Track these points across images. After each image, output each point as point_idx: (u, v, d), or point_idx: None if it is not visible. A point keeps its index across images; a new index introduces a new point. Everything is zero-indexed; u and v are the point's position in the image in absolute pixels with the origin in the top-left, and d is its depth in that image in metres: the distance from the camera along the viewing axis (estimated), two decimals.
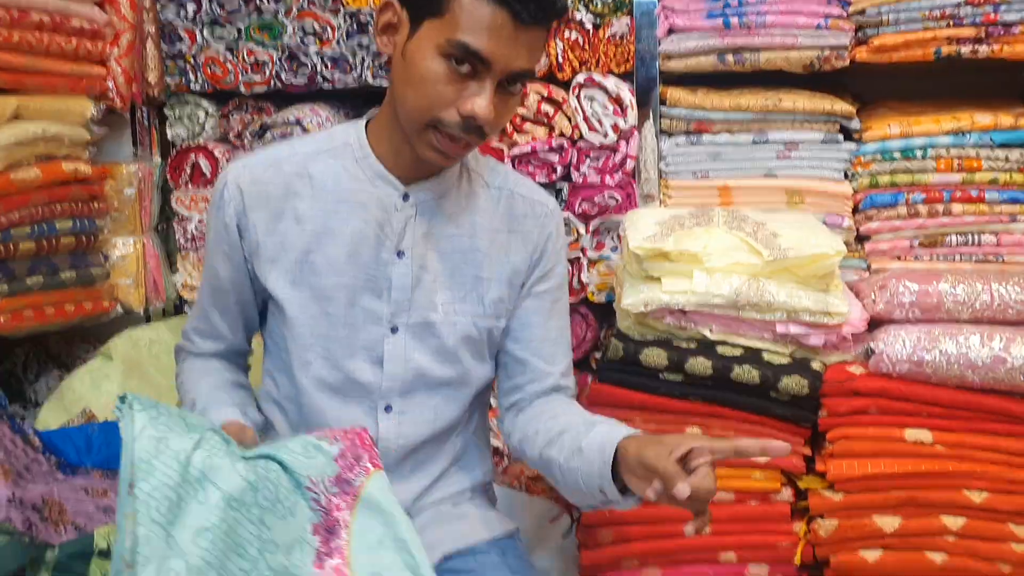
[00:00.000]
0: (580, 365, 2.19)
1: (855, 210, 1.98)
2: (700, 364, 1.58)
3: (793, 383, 1.55)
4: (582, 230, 2.13)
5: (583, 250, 2.14)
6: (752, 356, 1.59)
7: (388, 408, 1.40)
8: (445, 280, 1.38)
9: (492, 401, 1.62)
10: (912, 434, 1.54)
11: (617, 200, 2.08)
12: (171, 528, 0.93)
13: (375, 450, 1.12)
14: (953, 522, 1.51)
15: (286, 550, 1.01)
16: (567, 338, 1.50)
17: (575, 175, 2.02)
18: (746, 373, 1.57)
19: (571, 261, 2.15)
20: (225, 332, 1.44)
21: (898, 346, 1.53)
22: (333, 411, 1.38)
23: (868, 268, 1.93)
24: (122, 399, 0.98)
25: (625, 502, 1.23)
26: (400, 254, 1.34)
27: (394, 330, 1.37)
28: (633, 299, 1.62)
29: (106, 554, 1.49)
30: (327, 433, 1.12)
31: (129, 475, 0.94)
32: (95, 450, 1.71)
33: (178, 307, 2.54)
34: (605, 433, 1.25)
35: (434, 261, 1.36)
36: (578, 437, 1.29)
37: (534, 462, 1.42)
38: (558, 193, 2.08)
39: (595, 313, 2.22)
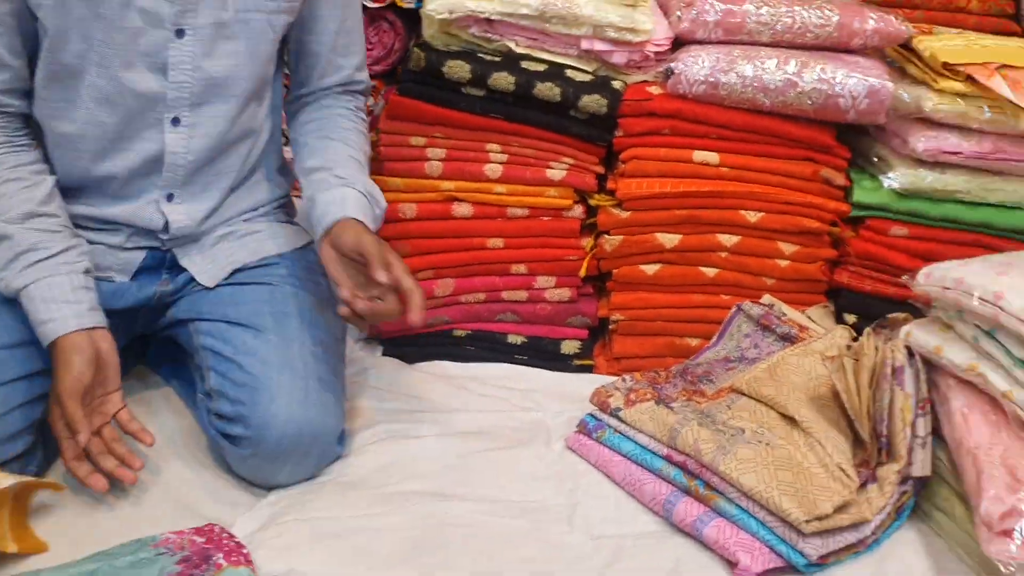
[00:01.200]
0: (388, 78, 2.10)
1: None
2: (504, 79, 1.53)
3: (593, 102, 1.53)
4: None
5: None
6: (555, 72, 1.55)
7: (176, 121, 1.31)
8: None
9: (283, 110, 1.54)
10: (700, 156, 1.57)
11: None
12: None
13: (233, 543, 1.11)
14: (728, 239, 1.59)
15: None
16: (360, 31, 1.48)
17: None
18: (548, 90, 1.53)
19: None
20: (4, 56, 1.24)
21: (696, 67, 1.52)
22: (114, 125, 1.28)
23: None
24: None
25: None
26: None
27: (179, 33, 1.25)
28: (437, 4, 1.52)
29: None
30: (174, 539, 1.10)
31: None
32: None
33: None
34: (337, 201, 1.32)
35: None
36: (320, 186, 1.35)
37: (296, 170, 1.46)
38: None
39: (403, 20, 2.10)
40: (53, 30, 1.22)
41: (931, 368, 1.32)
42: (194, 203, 1.37)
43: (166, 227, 1.36)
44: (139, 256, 1.38)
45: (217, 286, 1.39)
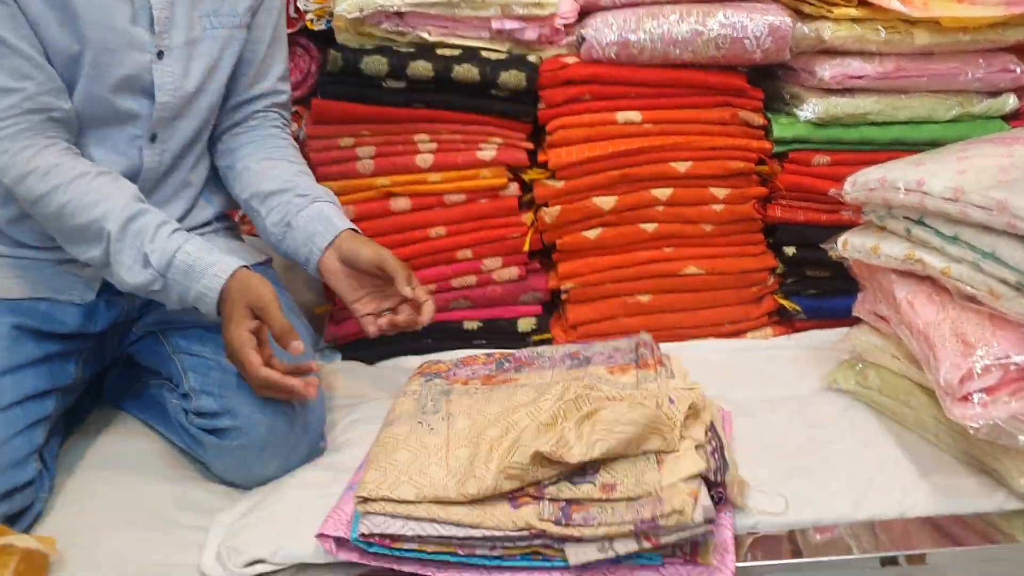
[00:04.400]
0: (307, 103, 2.12)
1: None
2: (421, 67, 1.57)
3: (511, 77, 1.57)
4: None
5: None
6: (471, 54, 1.59)
7: (154, 138, 1.34)
8: None
9: None
10: (623, 116, 1.62)
11: None
12: None
13: None
14: (662, 193, 1.63)
15: None
16: (285, 43, 1.52)
17: None
18: (466, 71, 1.57)
19: None
20: (37, 58, 1.22)
21: (606, 31, 1.57)
22: (95, 142, 1.31)
23: None
24: None
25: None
26: None
27: (160, 55, 1.28)
28: (346, 3, 1.56)
29: None
30: None
31: None
32: None
33: None
34: (321, 219, 1.36)
35: None
36: (290, 209, 1.38)
37: (237, 199, 1.47)
38: None
39: (316, 43, 2.13)
40: (48, 46, 1.23)
41: (870, 271, 1.36)
42: (168, 206, 1.38)
43: None
44: None
45: None
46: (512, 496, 1.04)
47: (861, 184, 1.34)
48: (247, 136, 1.48)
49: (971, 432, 1.10)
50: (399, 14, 1.59)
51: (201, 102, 1.37)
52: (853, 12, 1.54)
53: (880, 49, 1.57)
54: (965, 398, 1.11)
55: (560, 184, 1.63)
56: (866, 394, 1.40)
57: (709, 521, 1.00)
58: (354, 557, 1.07)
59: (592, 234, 1.65)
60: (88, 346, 1.37)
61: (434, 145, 1.63)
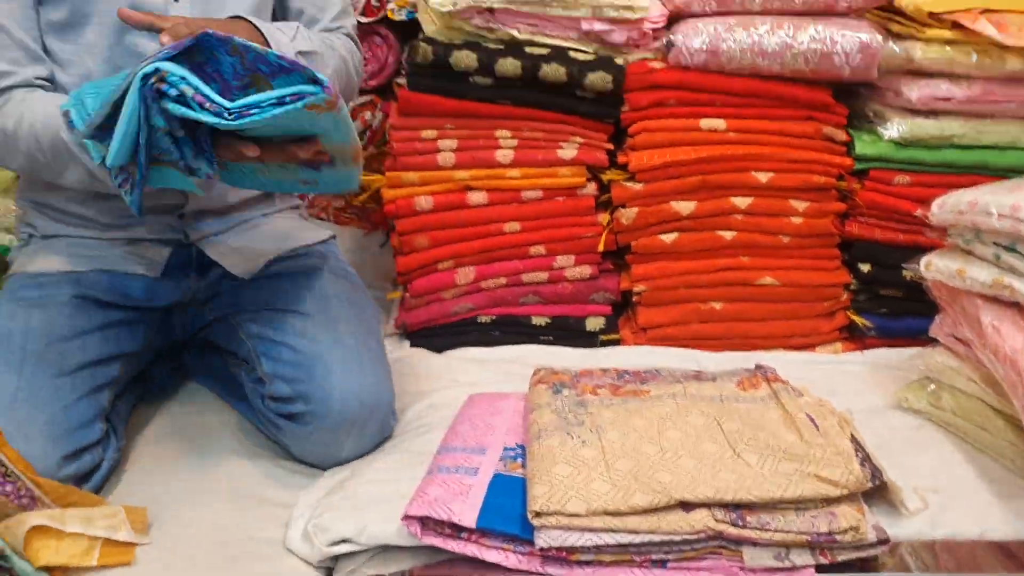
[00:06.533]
0: (383, 92, 2.15)
1: None
2: (510, 64, 1.58)
3: (598, 79, 1.58)
4: None
5: None
6: (559, 54, 1.61)
7: None
8: None
9: None
10: (707, 123, 1.63)
11: None
12: None
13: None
14: (742, 202, 1.64)
15: None
16: None
17: None
18: (554, 71, 1.58)
19: None
20: (38, 48, 1.28)
21: (695, 38, 1.58)
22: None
23: None
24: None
25: None
26: None
27: None
28: None
29: None
30: None
31: None
32: None
33: None
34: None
35: None
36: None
37: None
38: None
39: (396, 34, 2.15)
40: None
41: (953, 294, 1.37)
42: (228, 189, 1.40)
43: (183, 206, 1.38)
44: (164, 252, 1.40)
45: (252, 279, 1.41)
46: (684, 502, 1.07)
47: (950, 206, 1.34)
48: None
49: None
50: (490, 10, 1.61)
51: None
52: (946, 34, 1.54)
53: (970, 72, 1.57)
54: None
55: (639, 186, 1.64)
56: (938, 414, 1.40)
57: (883, 542, 1.04)
58: (437, 542, 1.09)
59: (668, 238, 1.66)
60: (154, 317, 1.41)
61: (515, 141, 1.65)
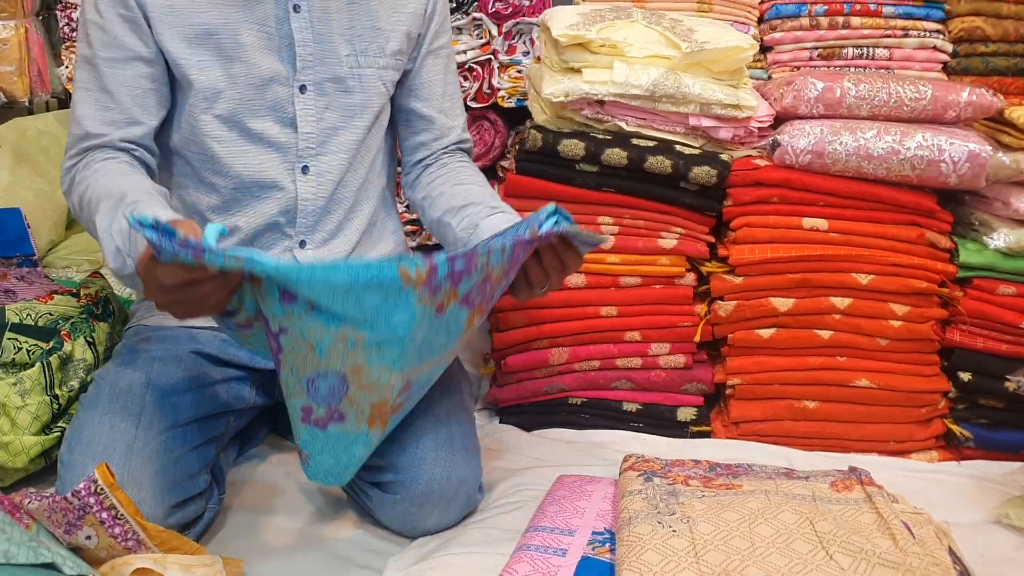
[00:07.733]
0: (488, 173, 2.22)
1: (760, 20, 2.08)
2: (616, 154, 1.63)
3: (703, 173, 1.62)
4: (494, 31, 2.11)
5: (494, 53, 2.13)
6: (665, 147, 1.65)
7: (305, 169, 1.40)
8: (345, 32, 1.38)
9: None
10: (809, 222, 1.64)
11: (531, 1, 2.07)
12: None
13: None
14: (841, 302, 1.64)
15: None
16: (460, 95, 1.59)
17: None
18: (659, 163, 1.62)
19: (481, 64, 2.15)
20: (137, 113, 1.33)
21: (801, 139, 1.61)
22: (251, 173, 1.37)
23: (769, 79, 2.01)
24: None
25: None
26: (296, 7, 1.33)
27: (303, 89, 1.37)
28: (554, 88, 1.64)
29: (18, 328, 1.47)
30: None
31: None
32: None
33: (63, 101, 2.40)
34: (505, 222, 1.34)
35: (331, 13, 1.36)
36: (478, 215, 1.38)
37: (430, 223, 1.51)
38: None
39: (504, 119, 2.23)
40: (197, 86, 1.32)
41: None
42: (325, 249, 1.45)
43: None
44: None
45: None
46: None
47: None
48: (439, 170, 1.52)
49: None
50: (600, 102, 1.66)
51: (350, 137, 1.41)
52: None
53: None
54: None
55: (739, 280, 1.65)
56: None
57: None
58: None
59: (765, 333, 1.66)
60: (259, 378, 1.46)
61: (616, 228, 1.69)
